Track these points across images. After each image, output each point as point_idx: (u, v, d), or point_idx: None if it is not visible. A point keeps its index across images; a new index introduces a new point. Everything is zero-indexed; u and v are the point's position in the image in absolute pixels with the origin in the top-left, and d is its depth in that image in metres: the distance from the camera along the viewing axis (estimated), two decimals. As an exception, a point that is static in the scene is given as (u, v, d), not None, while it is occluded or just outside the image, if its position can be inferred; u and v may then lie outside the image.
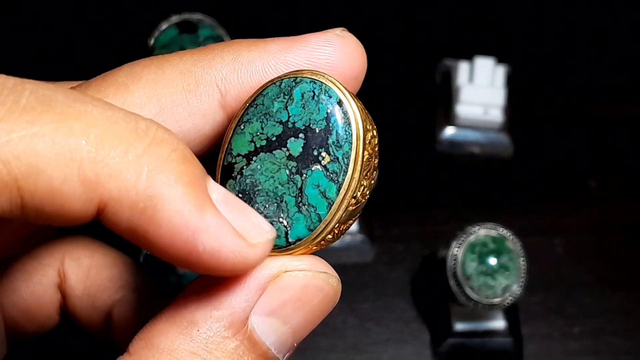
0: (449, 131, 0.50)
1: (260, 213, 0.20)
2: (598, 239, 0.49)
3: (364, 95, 0.56)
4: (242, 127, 0.20)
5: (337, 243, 0.49)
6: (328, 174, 0.20)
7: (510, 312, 0.44)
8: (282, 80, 0.20)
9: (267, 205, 0.20)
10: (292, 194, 0.20)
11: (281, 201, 0.20)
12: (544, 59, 0.54)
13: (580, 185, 0.51)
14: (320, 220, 0.20)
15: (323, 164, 0.20)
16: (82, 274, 0.25)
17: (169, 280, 0.40)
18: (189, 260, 0.18)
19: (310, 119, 0.20)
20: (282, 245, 0.20)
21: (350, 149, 0.20)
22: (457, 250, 0.40)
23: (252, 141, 0.20)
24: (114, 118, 0.17)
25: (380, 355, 0.45)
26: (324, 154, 0.20)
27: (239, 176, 0.20)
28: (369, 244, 0.47)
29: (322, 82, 0.20)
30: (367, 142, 0.21)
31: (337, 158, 0.20)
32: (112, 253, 0.26)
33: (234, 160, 0.20)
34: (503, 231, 0.41)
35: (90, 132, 0.16)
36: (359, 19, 0.55)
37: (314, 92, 0.20)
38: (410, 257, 0.48)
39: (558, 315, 0.46)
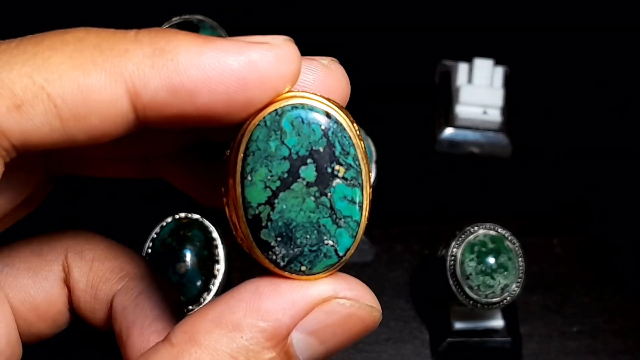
0: (448, 131, 0.51)
1: (305, 245, 0.20)
2: (597, 239, 0.49)
3: (364, 95, 0.57)
4: (249, 179, 0.20)
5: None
6: (349, 182, 0.21)
7: (509, 311, 0.45)
8: (264, 118, 0.20)
9: (308, 236, 0.20)
10: (326, 215, 0.21)
11: (319, 226, 0.20)
12: (542, 60, 0.55)
13: (579, 185, 0.51)
14: (358, 225, 0.21)
15: (341, 176, 0.21)
16: (86, 266, 0.25)
17: (171, 279, 0.41)
18: (236, 85, 0.19)
19: (310, 143, 0.20)
20: (335, 262, 0.21)
21: (355, 150, 0.21)
22: (456, 250, 0.40)
23: (266, 187, 0.20)
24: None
25: (379, 354, 0.45)
26: (337, 167, 0.21)
27: (269, 223, 0.20)
28: (369, 244, 0.47)
29: (302, 103, 0.21)
30: (357, 132, 0.21)
31: (350, 165, 0.21)
32: (114, 245, 0.26)
33: (257, 212, 0.20)
34: (502, 231, 0.41)
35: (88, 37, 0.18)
36: (359, 19, 0.56)
37: (301, 117, 0.20)
38: (410, 256, 0.48)
39: (557, 315, 0.47)
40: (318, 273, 0.20)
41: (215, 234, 0.41)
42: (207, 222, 0.42)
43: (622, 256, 0.49)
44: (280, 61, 0.19)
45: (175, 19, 0.46)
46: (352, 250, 0.21)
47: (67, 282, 0.26)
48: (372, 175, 0.43)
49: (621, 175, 0.51)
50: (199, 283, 0.41)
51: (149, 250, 0.41)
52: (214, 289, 0.41)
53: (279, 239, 0.20)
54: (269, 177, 0.20)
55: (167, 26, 0.46)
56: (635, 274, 0.48)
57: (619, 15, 0.56)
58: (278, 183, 0.20)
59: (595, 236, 0.49)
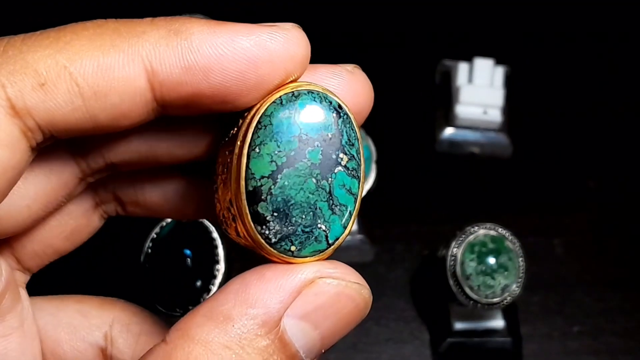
0: (449, 131, 0.50)
1: (299, 225, 0.21)
2: (597, 239, 0.49)
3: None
4: (257, 150, 0.20)
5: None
6: (349, 172, 0.21)
7: (510, 311, 0.44)
8: (280, 97, 0.21)
9: (303, 216, 0.21)
10: (323, 199, 0.21)
11: (315, 208, 0.21)
12: (542, 60, 0.55)
13: (579, 185, 0.51)
14: (351, 216, 0.21)
15: (343, 164, 0.21)
16: (132, 340, 0.26)
17: (169, 280, 0.41)
18: (250, 68, 0.20)
19: (321, 127, 0.21)
20: (324, 248, 0.21)
21: (358, 143, 0.21)
22: (456, 250, 0.40)
23: (272, 161, 0.20)
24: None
25: (380, 354, 0.45)
26: (342, 155, 0.21)
27: (269, 197, 0.20)
28: (369, 244, 0.47)
29: (317, 90, 0.21)
30: (359, 129, 0.22)
31: (353, 156, 0.21)
32: (160, 321, 0.26)
33: (259, 184, 0.20)
34: (502, 231, 0.41)
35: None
36: (359, 19, 0.56)
37: (316, 102, 0.21)
38: (410, 256, 0.48)
39: (557, 315, 0.46)
40: (305, 257, 0.21)
41: (215, 234, 0.41)
42: (207, 223, 0.42)
43: (623, 257, 0.49)
44: (289, 42, 0.20)
45: (175, 19, 0.46)
46: (340, 241, 0.21)
47: (107, 352, 0.26)
48: (372, 175, 0.43)
49: (622, 175, 0.51)
50: (199, 283, 0.41)
51: (149, 251, 0.41)
52: (214, 289, 0.41)
53: (275, 214, 0.20)
54: (276, 152, 0.20)
55: (167, 26, 0.46)
56: (635, 274, 0.48)
57: (620, 15, 0.56)
58: (284, 159, 0.20)
59: (595, 236, 0.49)
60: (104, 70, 0.19)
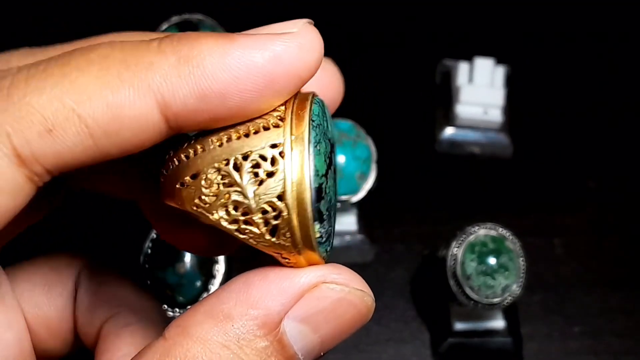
0: (449, 131, 0.50)
1: (331, 227, 0.21)
2: (597, 239, 0.49)
3: (364, 95, 0.57)
4: (318, 149, 0.20)
5: (337, 243, 0.49)
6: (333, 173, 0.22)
7: (510, 311, 0.44)
8: (315, 98, 0.21)
9: (333, 218, 0.21)
10: (334, 203, 0.22)
11: (334, 211, 0.22)
12: (543, 59, 0.55)
13: (579, 185, 0.51)
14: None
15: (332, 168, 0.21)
16: (93, 287, 0.26)
17: (169, 280, 0.41)
18: (264, 81, 0.19)
19: (334, 133, 0.22)
20: (329, 250, 0.21)
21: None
22: (456, 250, 0.40)
23: (325, 161, 0.20)
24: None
25: (380, 354, 0.45)
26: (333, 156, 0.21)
27: (325, 196, 0.20)
28: (369, 244, 0.47)
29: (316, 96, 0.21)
30: None
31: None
32: (121, 277, 0.26)
33: (321, 181, 0.20)
34: (502, 231, 0.41)
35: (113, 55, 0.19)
36: (359, 19, 0.55)
37: (323, 109, 0.21)
38: (410, 257, 0.48)
39: (558, 315, 0.46)
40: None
41: (215, 234, 0.41)
42: (206, 222, 0.41)
43: (624, 257, 0.49)
44: (303, 50, 0.20)
45: (175, 18, 0.46)
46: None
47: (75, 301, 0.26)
48: (372, 175, 0.43)
49: (622, 175, 0.51)
50: (198, 283, 0.41)
51: (149, 251, 0.41)
52: (214, 289, 0.41)
53: (327, 212, 0.20)
54: (328, 152, 0.20)
55: (166, 26, 0.46)
56: (636, 274, 0.48)
57: (620, 15, 0.56)
58: (328, 160, 0.20)
59: (596, 236, 0.49)
60: (114, 108, 0.18)
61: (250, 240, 0.20)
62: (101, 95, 0.18)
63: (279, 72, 0.19)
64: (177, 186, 0.20)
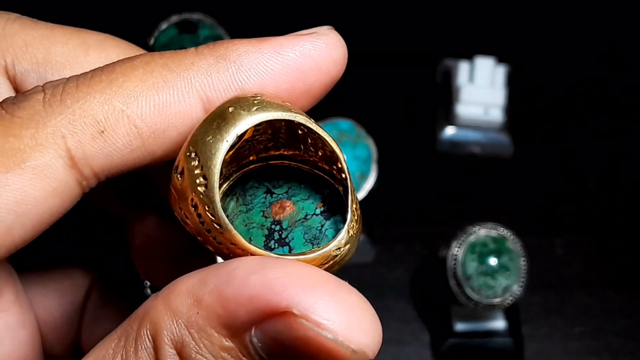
0: (449, 131, 0.50)
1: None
2: (598, 239, 0.49)
3: (364, 95, 0.57)
4: None
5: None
6: None
7: (511, 312, 0.44)
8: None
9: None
10: None
11: None
12: (544, 59, 0.54)
13: (580, 185, 0.51)
14: None
15: None
16: (102, 302, 0.26)
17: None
18: None
19: None
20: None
21: None
22: (457, 250, 0.40)
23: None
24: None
25: (380, 355, 0.45)
26: None
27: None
28: (369, 244, 0.47)
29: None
30: None
31: None
32: (128, 292, 0.26)
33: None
34: (503, 231, 0.41)
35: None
36: (359, 19, 0.55)
37: None
38: (410, 257, 0.48)
39: (558, 316, 0.46)
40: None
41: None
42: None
43: (624, 257, 0.48)
44: (330, 47, 0.21)
45: (175, 18, 0.46)
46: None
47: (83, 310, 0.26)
48: (373, 175, 0.43)
49: (623, 175, 0.51)
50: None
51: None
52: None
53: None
54: None
55: (166, 25, 0.46)
56: (637, 275, 0.48)
57: (621, 15, 0.56)
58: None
59: (597, 237, 0.49)
60: (161, 108, 0.19)
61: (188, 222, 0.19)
62: (147, 96, 0.19)
63: (310, 66, 0.20)
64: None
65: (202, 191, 0.18)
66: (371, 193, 0.43)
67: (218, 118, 0.19)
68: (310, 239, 0.20)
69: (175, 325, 0.18)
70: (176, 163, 0.19)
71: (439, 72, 0.52)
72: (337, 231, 0.20)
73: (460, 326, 0.44)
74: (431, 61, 0.53)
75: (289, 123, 0.20)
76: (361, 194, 0.42)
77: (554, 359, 0.45)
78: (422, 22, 0.55)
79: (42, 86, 0.19)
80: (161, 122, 0.19)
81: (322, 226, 0.20)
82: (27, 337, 0.24)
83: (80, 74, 0.20)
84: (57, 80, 0.20)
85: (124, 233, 0.26)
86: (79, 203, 0.23)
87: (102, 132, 0.19)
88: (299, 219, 0.21)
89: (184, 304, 0.18)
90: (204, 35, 0.45)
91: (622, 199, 0.50)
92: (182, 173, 0.19)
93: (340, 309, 0.17)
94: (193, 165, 0.18)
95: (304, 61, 0.20)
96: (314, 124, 0.20)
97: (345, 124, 0.43)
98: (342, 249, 0.19)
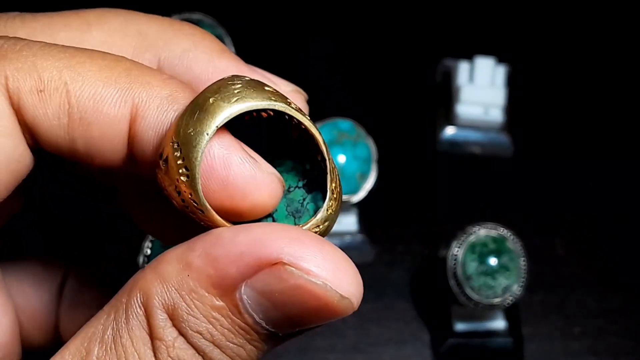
0: (449, 131, 0.50)
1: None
2: (598, 240, 0.49)
3: (364, 95, 0.57)
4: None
5: (337, 243, 0.49)
6: None
7: (511, 312, 0.44)
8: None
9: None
10: None
11: None
12: (544, 59, 0.54)
13: (579, 185, 0.51)
14: None
15: None
16: (78, 287, 0.26)
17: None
18: None
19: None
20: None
21: None
22: (457, 250, 0.40)
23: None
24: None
25: (380, 355, 0.45)
26: None
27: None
28: (369, 244, 0.47)
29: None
30: None
31: None
32: (105, 277, 0.26)
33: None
34: (503, 231, 0.41)
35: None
36: (359, 19, 0.55)
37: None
38: (410, 257, 0.48)
39: (558, 316, 0.46)
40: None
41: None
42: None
43: (624, 257, 0.48)
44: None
45: (175, 18, 0.46)
46: None
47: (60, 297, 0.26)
48: (373, 175, 0.43)
49: (622, 175, 0.51)
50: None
51: (148, 251, 0.41)
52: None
53: None
54: None
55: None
56: (636, 275, 0.48)
57: (621, 15, 0.56)
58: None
59: (596, 236, 0.49)
60: (97, 100, 0.20)
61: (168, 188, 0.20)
62: (94, 84, 0.20)
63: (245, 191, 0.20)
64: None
65: (184, 180, 0.19)
66: (371, 193, 0.43)
67: (199, 109, 0.19)
68: (292, 212, 0.21)
69: (166, 290, 0.18)
70: (160, 150, 0.19)
71: (439, 72, 0.52)
72: (318, 207, 0.20)
73: (460, 326, 0.44)
74: (431, 61, 0.53)
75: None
76: (361, 194, 0.42)
77: (554, 358, 0.45)
78: (422, 22, 0.55)
79: (8, 36, 0.20)
80: (91, 112, 0.20)
81: (304, 200, 0.21)
82: (8, 325, 0.24)
83: (55, 44, 0.20)
84: (26, 36, 0.21)
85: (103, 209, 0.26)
86: (51, 191, 0.24)
87: (41, 91, 0.19)
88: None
89: (174, 269, 0.19)
90: (204, 35, 0.45)
91: (622, 199, 0.50)
92: (166, 161, 0.19)
93: (327, 259, 0.18)
94: (176, 155, 0.19)
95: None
96: (292, 111, 0.19)
97: (345, 124, 0.43)
98: (320, 227, 0.20)
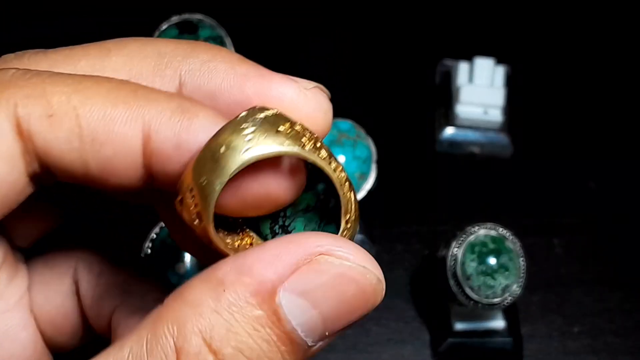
0: (449, 131, 0.50)
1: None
2: (597, 239, 0.49)
3: (364, 95, 0.57)
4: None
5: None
6: None
7: (510, 311, 0.44)
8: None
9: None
10: None
11: None
12: (543, 59, 0.55)
13: (579, 186, 0.51)
14: None
15: None
16: (93, 279, 0.25)
17: (170, 280, 0.41)
18: None
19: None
20: None
21: None
22: (456, 250, 0.40)
23: None
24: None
25: (380, 355, 0.45)
26: None
27: None
28: (369, 243, 0.47)
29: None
30: None
31: None
32: (120, 257, 0.26)
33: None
34: (502, 231, 0.41)
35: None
36: (359, 19, 0.55)
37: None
38: (410, 257, 0.48)
39: (557, 315, 0.46)
40: None
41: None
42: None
43: (623, 256, 0.49)
44: (311, 101, 0.21)
45: (175, 18, 0.46)
46: None
47: (79, 295, 0.26)
48: (372, 175, 0.43)
49: (622, 175, 0.51)
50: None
51: (149, 251, 0.41)
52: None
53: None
54: None
55: (166, 25, 0.46)
56: (635, 274, 0.48)
57: (621, 15, 0.56)
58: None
59: (595, 236, 0.49)
60: (107, 121, 0.20)
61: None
62: (103, 106, 0.20)
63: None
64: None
65: (197, 224, 0.19)
66: (371, 193, 0.43)
67: (211, 158, 0.19)
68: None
69: (201, 312, 0.18)
70: (177, 189, 0.20)
71: (438, 73, 0.53)
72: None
73: (459, 325, 0.44)
74: (431, 62, 0.53)
75: None
76: (361, 194, 0.42)
77: (552, 357, 0.45)
78: (421, 22, 0.55)
79: (17, 68, 0.21)
80: (103, 133, 0.20)
81: (322, 222, 0.21)
82: (29, 338, 0.24)
83: (63, 73, 0.21)
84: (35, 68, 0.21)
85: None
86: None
87: (51, 116, 0.20)
88: (301, 209, 0.21)
89: (204, 292, 0.18)
90: (204, 35, 0.45)
91: (622, 199, 0.50)
92: (181, 202, 0.20)
93: (358, 249, 0.19)
94: (191, 201, 0.19)
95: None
96: (305, 153, 0.19)
97: (345, 124, 0.43)
98: None
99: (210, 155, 0.19)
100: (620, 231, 0.49)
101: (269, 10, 0.55)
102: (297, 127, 0.20)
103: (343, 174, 0.20)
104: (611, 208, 0.50)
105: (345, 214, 0.20)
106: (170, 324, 0.18)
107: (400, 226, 0.49)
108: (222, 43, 0.44)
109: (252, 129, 0.19)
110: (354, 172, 0.42)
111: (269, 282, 0.18)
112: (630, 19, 0.56)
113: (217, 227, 0.21)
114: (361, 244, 0.47)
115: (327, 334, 0.19)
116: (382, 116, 0.52)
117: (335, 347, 0.45)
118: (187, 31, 0.45)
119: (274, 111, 0.20)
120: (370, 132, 0.44)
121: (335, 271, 0.18)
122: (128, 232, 0.42)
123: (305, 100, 0.21)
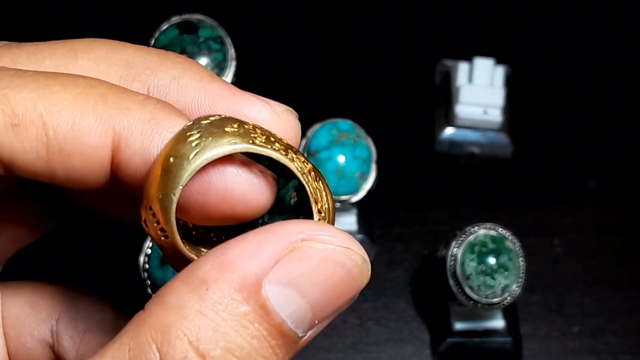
0: (449, 131, 0.50)
1: None
2: (597, 239, 0.49)
3: (364, 95, 0.57)
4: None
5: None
6: None
7: (510, 311, 0.44)
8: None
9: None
10: None
11: None
12: (543, 59, 0.55)
13: (579, 185, 0.51)
14: None
15: None
16: (77, 338, 0.25)
17: (169, 280, 0.40)
18: None
19: None
20: None
21: None
22: (456, 250, 0.40)
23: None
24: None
25: (379, 354, 0.45)
26: None
27: None
28: (369, 243, 0.47)
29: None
30: None
31: None
32: (108, 315, 0.25)
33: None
34: (502, 231, 0.41)
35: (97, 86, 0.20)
36: (358, 19, 0.55)
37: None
38: (410, 256, 0.48)
39: (557, 315, 0.46)
40: None
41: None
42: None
43: (623, 256, 0.49)
44: (284, 121, 0.21)
45: (175, 18, 0.46)
46: None
47: (54, 348, 0.25)
48: (372, 175, 0.43)
49: (622, 175, 0.51)
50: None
51: (149, 251, 0.41)
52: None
53: None
54: None
55: (166, 26, 0.46)
56: (636, 274, 0.48)
57: (621, 15, 0.56)
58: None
59: (596, 236, 0.49)
60: (76, 131, 0.19)
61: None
62: (71, 114, 0.19)
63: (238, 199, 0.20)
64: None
65: (164, 240, 0.19)
66: (371, 193, 0.43)
67: (163, 171, 0.19)
68: None
69: (184, 315, 0.17)
70: (139, 211, 0.19)
71: (438, 73, 0.53)
72: None
73: (459, 325, 0.44)
74: (430, 62, 0.53)
75: None
76: (361, 194, 0.42)
77: (552, 358, 0.45)
78: (421, 22, 0.55)
79: None
80: (71, 144, 0.19)
81: (297, 218, 0.21)
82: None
83: (26, 71, 0.20)
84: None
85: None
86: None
87: (16, 125, 0.19)
88: (277, 211, 0.21)
89: (185, 293, 0.18)
90: (205, 36, 0.45)
91: (622, 199, 0.50)
92: (145, 222, 0.19)
93: (338, 231, 0.19)
94: (152, 218, 0.19)
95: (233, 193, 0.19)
96: (255, 148, 0.19)
97: (345, 124, 0.43)
98: None
99: (161, 168, 0.19)
100: (621, 231, 0.49)
101: (269, 10, 0.55)
102: (247, 126, 0.19)
103: (307, 164, 0.20)
104: (611, 208, 0.50)
105: (316, 203, 0.20)
106: (154, 330, 0.17)
107: (400, 226, 0.49)
108: (222, 43, 0.44)
109: (198, 134, 0.19)
110: (354, 172, 0.42)
111: (253, 276, 0.17)
112: (630, 19, 0.56)
113: (198, 243, 0.20)
114: (361, 243, 0.47)
115: (316, 322, 0.18)
116: (382, 116, 0.52)
117: (335, 347, 0.45)
118: (187, 31, 0.45)
119: (222, 115, 0.20)
120: (370, 132, 0.44)
121: (319, 256, 0.18)
122: (128, 233, 0.42)
123: (278, 121, 0.21)
